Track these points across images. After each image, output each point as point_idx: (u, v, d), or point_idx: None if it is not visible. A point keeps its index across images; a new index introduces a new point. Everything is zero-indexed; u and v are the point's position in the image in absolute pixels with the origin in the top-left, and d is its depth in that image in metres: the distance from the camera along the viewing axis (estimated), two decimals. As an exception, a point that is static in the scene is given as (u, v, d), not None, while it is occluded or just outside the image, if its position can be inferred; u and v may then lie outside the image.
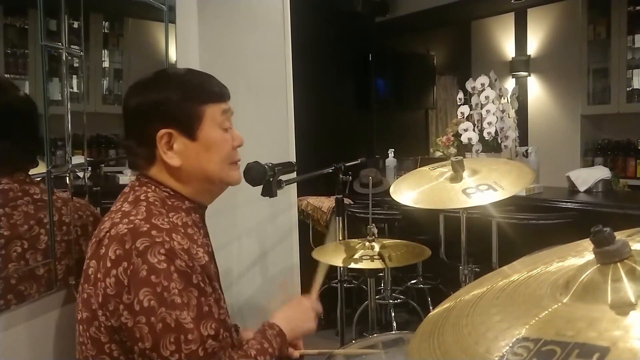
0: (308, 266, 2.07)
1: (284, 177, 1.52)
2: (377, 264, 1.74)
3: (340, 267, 1.99)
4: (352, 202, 3.51)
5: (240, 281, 2.02)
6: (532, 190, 3.25)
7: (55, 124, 1.30)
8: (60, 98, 1.33)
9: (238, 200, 1.95)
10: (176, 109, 1.14)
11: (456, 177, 1.63)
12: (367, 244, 1.81)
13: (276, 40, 2.13)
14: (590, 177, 3.25)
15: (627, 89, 4.71)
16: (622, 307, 0.52)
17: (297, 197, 2.35)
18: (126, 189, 1.18)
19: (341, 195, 1.97)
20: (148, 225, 1.05)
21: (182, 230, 1.10)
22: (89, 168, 1.43)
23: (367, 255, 1.76)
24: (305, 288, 2.15)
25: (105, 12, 1.76)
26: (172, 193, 1.17)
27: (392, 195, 1.70)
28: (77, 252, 1.31)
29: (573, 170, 3.41)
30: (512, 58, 5.59)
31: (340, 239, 2.04)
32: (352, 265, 1.76)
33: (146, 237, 1.03)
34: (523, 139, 4.47)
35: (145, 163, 1.17)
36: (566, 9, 5.05)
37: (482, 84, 3.47)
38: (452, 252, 3.09)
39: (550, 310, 0.57)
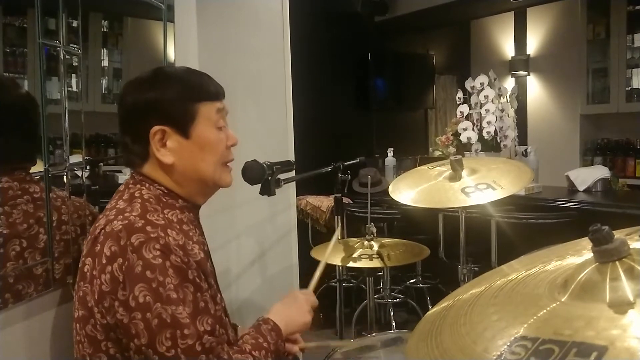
0: (307, 266, 2.07)
1: (282, 176, 1.52)
2: (376, 263, 1.74)
3: (339, 266, 1.99)
4: (351, 202, 3.51)
5: (239, 281, 2.02)
6: (531, 189, 3.25)
7: (54, 123, 1.30)
8: (59, 97, 1.33)
9: (237, 200, 1.95)
10: (170, 106, 1.14)
11: (455, 177, 1.63)
12: (366, 243, 1.81)
13: (275, 40, 2.13)
14: (589, 176, 3.25)
15: (627, 88, 4.70)
16: (621, 306, 0.51)
17: (296, 196, 2.35)
18: (121, 187, 1.18)
19: (340, 195, 1.97)
20: (143, 221, 1.05)
21: (177, 227, 1.10)
22: (88, 167, 1.42)
23: (366, 255, 1.76)
24: (304, 288, 2.15)
25: (105, 11, 1.76)
26: (165, 191, 1.17)
27: (391, 195, 1.70)
28: (76, 252, 1.31)
29: (572, 170, 3.40)
30: (512, 57, 5.59)
31: (340, 238, 2.04)
32: (351, 265, 1.76)
33: (141, 233, 1.03)
34: (522, 139, 4.47)
35: (140, 160, 1.17)
36: (566, 8, 5.05)
37: (482, 84, 3.46)
38: (451, 252, 3.09)
39: (548, 309, 0.56)
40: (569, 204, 2.97)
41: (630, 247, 0.56)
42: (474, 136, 3.45)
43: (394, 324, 3.47)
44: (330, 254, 1.78)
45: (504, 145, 3.44)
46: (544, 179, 3.49)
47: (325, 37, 4.36)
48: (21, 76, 1.36)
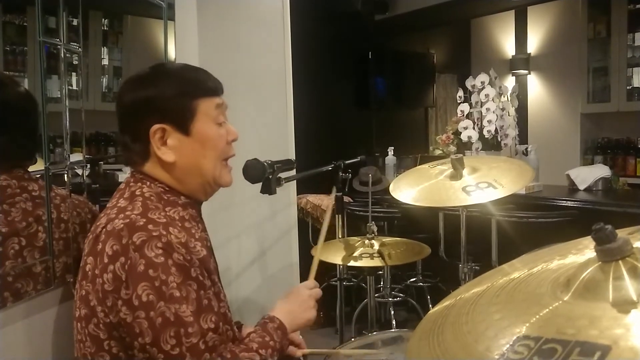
0: (307, 264, 2.07)
1: (283, 175, 1.52)
2: (376, 262, 1.74)
3: (339, 265, 1.98)
4: (352, 200, 3.51)
5: (239, 279, 2.01)
6: (531, 188, 3.25)
7: (54, 121, 1.30)
8: (59, 95, 1.32)
9: (237, 198, 1.94)
10: (169, 104, 1.13)
11: (456, 175, 1.63)
12: (366, 242, 1.81)
13: (276, 38, 2.12)
14: (590, 175, 3.25)
15: (627, 87, 4.70)
16: (624, 305, 0.51)
17: (297, 195, 2.34)
18: (122, 186, 1.18)
19: (341, 193, 1.96)
20: (144, 220, 1.05)
21: (179, 224, 1.10)
22: (88, 165, 1.42)
23: (367, 253, 1.76)
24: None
25: (105, 9, 1.76)
26: (167, 189, 1.16)
27: (392, 193, 1.69)
28: (76, 250, 1.31)
29: (573, 169, 3.40)
30: (512, 56, 5.58)
31: (340, 236, 2.04)
32: (352, 263, 1.76)
33: (143, 232, 1.03)
34: (523, 137, 4.46)
35: (140, 159, 1.17)
36: (566, 6, 5.04)
37: (482, 82, 3.46)
38: (452, 250, 3.09)
39: (551, 308, 0.56)
40: (569, 203, 2.97)
41: (633, 246, 0.56)
42: (474, 135, 3.45)
43: (394, 322, 3.47)
44: (331, 252, 1.78)
45: (504, 144, 3.43)
46: (544, 178, 3.48)
47: (325, 35, 4.36)
48: (21, 74, 1.36)
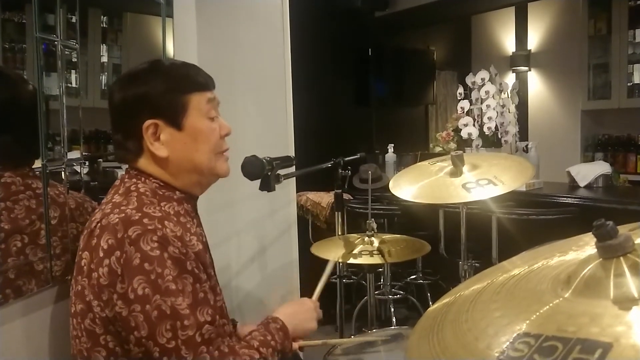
0: (307, 262, 2.06)
1: (282, 172, 1.51)
2: (376, 260, 1.73)
3: (339, 263, 1.98)
4: (352, 198, 3.50)
5: (239, 277, 2.01)
6: (532, 185, 3.25)
7: (53, 119, 1.29)
8: (57, 92, 1.32)
9: (236, 196, 1.94)
10: (160, 99, 1.14)
11: (456, 172, 1.62)
12: (366, 239, 1.81)
13: (275, 35, 2.12)
14: (590, 172, 3.24)
15: (628, 84, 4.69)
16: (625, 303, 0.51)
17: (297, 192, 2.34)
18: (117, 182, 1.19)
19: (340, 191, 1.96)
20: (140, 214, 1.05)
21: (175, 219, 1.10)
22: (86, 163, 1.42)
23: (367, 251, 1.75)
24: (304, 284, 2.14)
25: (104, 7, 1.76)
26: (162, 184, 1.17)
27: (392, 191, 1.69)
28: (76, 248, 1.30)
29: (573, 166, 3.40)
30: (513, 53, 5.57)
31: (340, 234, 2.03)
32: (352, 261, 1.75)
33: (138, 225, 1.03)
34: (523, 134, 4.46)
35: (134, 155, 1.17)
36: (567, 3, 5.03)
37: (482, 79, 3.46)
38: (452, 248, 3.09)
39: (551, 305, 0.56)
40: (569, 200, 2.97)
41: (635, 242, 0.55)
42: (474, 132, 3.45)
43: (394, 320, 3.47)
44: (331, 250, 1.77)
45: (504, 141, 3.43)
46: (544, 175, 3.48)
47: (325, 32, 4.35)
48: (20, 72, 1.35)
